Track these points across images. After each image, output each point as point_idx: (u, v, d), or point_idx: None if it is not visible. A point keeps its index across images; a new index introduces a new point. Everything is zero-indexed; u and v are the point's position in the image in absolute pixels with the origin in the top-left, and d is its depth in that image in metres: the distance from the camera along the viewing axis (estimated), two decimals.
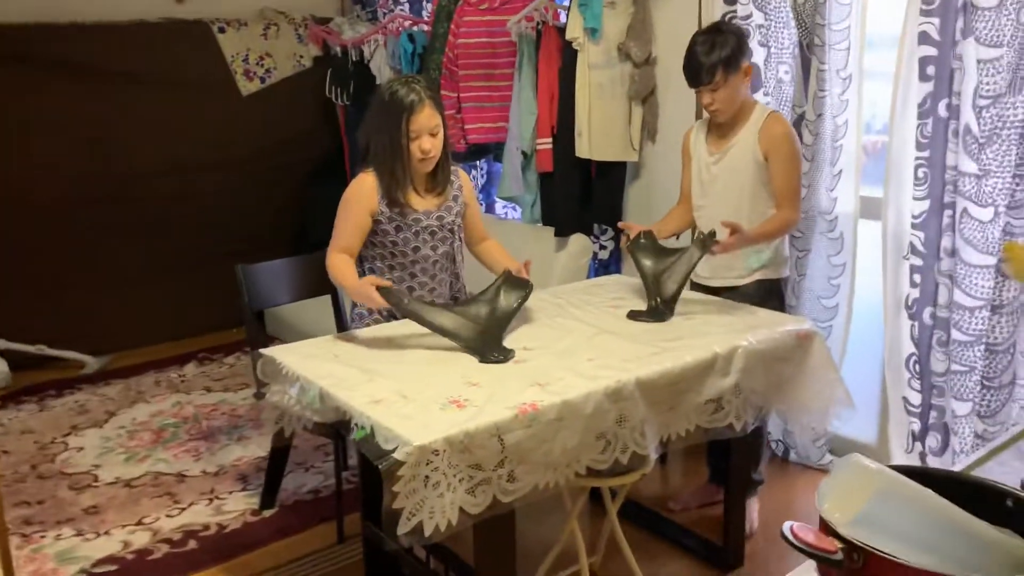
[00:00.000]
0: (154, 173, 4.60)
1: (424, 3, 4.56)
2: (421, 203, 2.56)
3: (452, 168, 2.64)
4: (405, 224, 2.54)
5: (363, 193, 2.50)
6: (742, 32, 2.64)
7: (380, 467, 1.74)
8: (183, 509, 3.02)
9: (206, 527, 2.90)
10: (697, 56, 2.55)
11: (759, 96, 3.06)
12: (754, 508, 2.84)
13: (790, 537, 0.96)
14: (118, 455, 3.46)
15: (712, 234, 2.46)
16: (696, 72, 2.56)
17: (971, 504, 1.05)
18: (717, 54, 2.52)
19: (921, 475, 1.07)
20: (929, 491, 0.99)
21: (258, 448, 3.44)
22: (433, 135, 2.45)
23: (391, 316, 2.64)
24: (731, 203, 2.67)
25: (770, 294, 2.72)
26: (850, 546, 0.94)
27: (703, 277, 2.78)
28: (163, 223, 4.68)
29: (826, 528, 0.98)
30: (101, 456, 3.45)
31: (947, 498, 1.04)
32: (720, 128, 2.69)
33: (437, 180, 2.58)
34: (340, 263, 2.47)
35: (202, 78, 4.71)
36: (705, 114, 2.73)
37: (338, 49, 4.80)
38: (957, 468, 2.60)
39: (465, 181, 2.70)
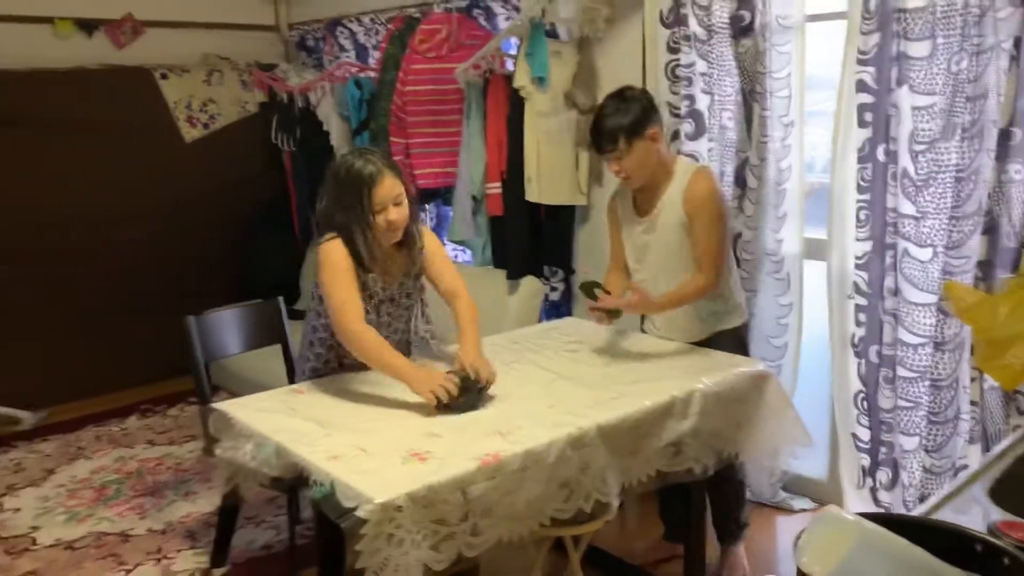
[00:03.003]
0: (96, 221, 4.49)
1: (371, 50, 4.58)
2: (387, 273, 2.47)
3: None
4: (373, 292, 2.46)
5: (346, 258, 2.37)
6: (648, 98, 2.58)
7: (342, 526, 1.70)
8: (129, 571, 2.90)
9: None
10: (599, 123, 2.52)
11: (702, 143, 3.13)
12: (742, 554, 2.80)
13: None
14: (58, 515, 3.31)
15: (596, 284, 2.52)
16: (598, 139, 2.53)
17: (942, 550, 1.07)
18: (617, 120, 2.47)
19: (893, 522, 1.08)
20: (904, 540, 1.01)
21: (206, 503, 3.34)
22: (397, 204, 2.37)
23: (340, 367, 2.57)
24: (668, 270, 2.61)
25: (734, 344, 2.66)
26: None
27: (666, 338, 2.73)
28: (104, 272, 4.56)
29: None
30: (39, 517, 3.30)
31: (919, 544, 1.05)
32: (645, 193, 2.62)
33: (403, 247, 2.49)
34: (378, 340, 2.31)
35: (144, 125, 4.63)
36: None
37: (284, 95, 4.77)
38: (911, 505, 2.65)
39: (429, 238, 2.60)
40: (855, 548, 0.98)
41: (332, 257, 2.37)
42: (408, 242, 2.50)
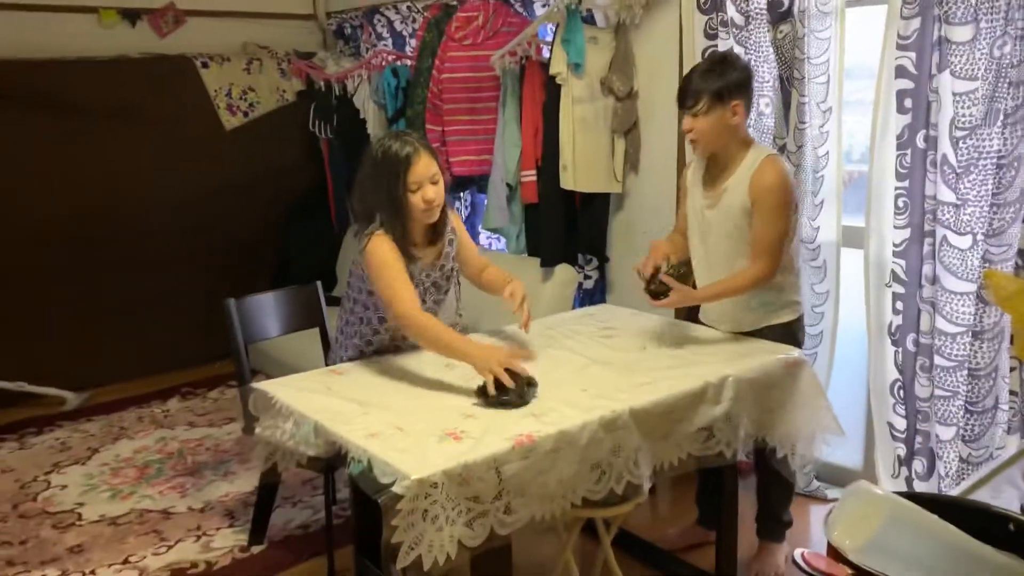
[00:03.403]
0: (135, 208, 4.59)
1: (407, 38, 4.61)
2: (424, 256, 2.51)
3: None
4: (419, 280, 2.49)
5: (392, 250, 2.39)
6: (747, 72, 2.50)
7: (379, 501, 1.74)
8: (170, 547, 2.97)
9: (194, 565, 2.86)
10: (690, 77, 2.48)
11: None
12: (780, 554, 2.73)
13: (802, 564, 0.98)
14: (102, 492, 3.40)
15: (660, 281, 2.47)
16: (682, 92, 2.48)
17: (974, 528, 1.07)
18: (708, 82, 2.42)
19: (925, 500, 1.09)
20: (936, 517, 1.01)
21: (244, 483, 3.41)
22: (434, 183, 2.40)
23: (376, 352, 2.58)
24: (724, 252, 2.57)
25: (784, 338, 2.56)
26: (861, 573, 0.96)
27: (713, 326, 2.69)
28: (143, 258, 4.65)
29: (836, 555, 1.00)
30: (85, 494, 3.39)
31: (951, 523, 1.06)
32: (715, 168, 2.58)
33: (438, 229, 2.53)
34: (437, 323, 2.35)
35: (185, 113, 4.72)
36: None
37: (321, 83, 4.83)
38: (947, 492, 2.63)
39: (454, 219, 2.65)
40: (886, 523, 0.99)
41: (380, 252, 2.39)
42: (443, 223, 2.53)
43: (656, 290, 2.48)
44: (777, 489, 2.72)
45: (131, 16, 4.63)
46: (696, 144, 2.53)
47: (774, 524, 2.77)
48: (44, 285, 4.39)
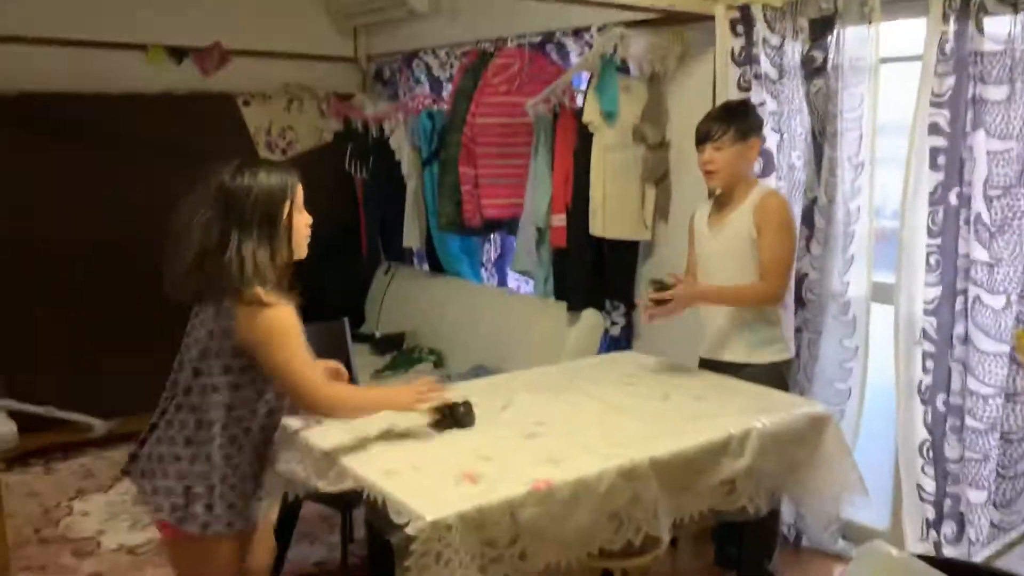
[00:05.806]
0: None
1: (444, 83, 4.68)
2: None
3: None
4: None
5: (295, 317, 2.20)
6: (760, 117, 2.84)
7: (392, 542, 1.73)
8: None
9: None
10: (713, 113, 2.76)
11: (771, 181, 3.11)
12: None
13: None
14: (123, 521, 3.42)
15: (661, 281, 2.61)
16: (706, 126, 2.70)
17: None
18: (734, 119, 2.68)
19: (943, 565, 1.06)
20: None
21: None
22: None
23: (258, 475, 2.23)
24: (727, 275, 2.72)
25: (774, 377, 2.69)
26: None
27: (705, 350, 2.82)
28: None
29: None
30: (106, 522, 3.41)
31: None
32: (720, 204, 2.79)
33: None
34: (349, 387, 2.31)
35: (225, 150, 4.69)
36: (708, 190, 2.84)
37: (359, 124, 4.91)
38: (976, 559, 2.56)
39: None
40: None
41: (287, 320, 2.14)
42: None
43: (657, 297, 2.60)
44: (757, 536, 2.68)
45: (178, 54, 4.75)
46: (713, 176, 2.73)
47: (753, 572, 2.74)
48: (75, 313, 4.45)
